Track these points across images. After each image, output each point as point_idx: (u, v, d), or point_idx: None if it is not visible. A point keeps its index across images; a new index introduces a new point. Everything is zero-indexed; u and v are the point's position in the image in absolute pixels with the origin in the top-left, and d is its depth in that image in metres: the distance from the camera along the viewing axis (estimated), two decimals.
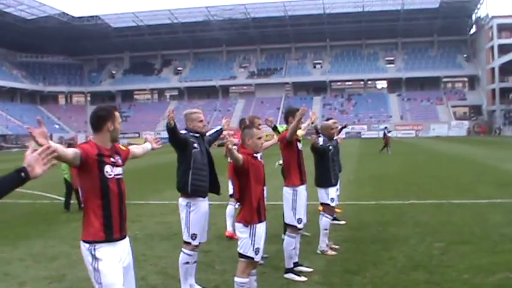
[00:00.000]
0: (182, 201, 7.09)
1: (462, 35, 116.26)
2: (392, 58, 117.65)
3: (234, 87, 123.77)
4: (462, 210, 13.44)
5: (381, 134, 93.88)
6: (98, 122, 4.82)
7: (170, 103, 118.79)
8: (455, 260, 8.46)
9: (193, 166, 7.02)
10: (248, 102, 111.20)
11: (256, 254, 6.10)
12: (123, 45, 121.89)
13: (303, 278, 7.68)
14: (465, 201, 14.87)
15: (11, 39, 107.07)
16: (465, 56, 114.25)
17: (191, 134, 7.19)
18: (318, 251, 9.25)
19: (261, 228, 6.18)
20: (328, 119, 12.95)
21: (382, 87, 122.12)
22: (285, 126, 10.45)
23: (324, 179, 9.32)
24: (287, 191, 8.19)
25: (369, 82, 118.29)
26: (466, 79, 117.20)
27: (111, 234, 4.67)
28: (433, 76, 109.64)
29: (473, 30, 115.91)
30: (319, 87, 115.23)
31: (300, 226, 8.13)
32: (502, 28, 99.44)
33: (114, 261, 4.62)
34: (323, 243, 9.27)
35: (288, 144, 8.18)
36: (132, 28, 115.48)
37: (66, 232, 11.69)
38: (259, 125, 8.87)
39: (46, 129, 4.28)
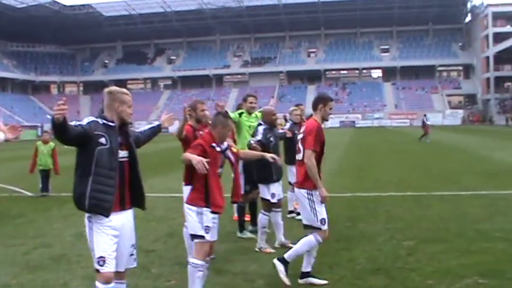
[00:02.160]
0: (85, 215, 5.15)
1: (457, 24, 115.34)
2: (387, 47, 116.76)
3: (227, 76, 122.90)
4: (442, 203, 12.59)
5: (375, 123, 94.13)
6: None
7: (163, 92, 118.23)
8: (423, 261, 7.57)
9: (94, 171, 4.95)
10: (242, 91, 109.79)
11: (207, 233, 5.95)
12: (116, 34, 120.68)
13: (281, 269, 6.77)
14: (447, 193, 14.01)
15: (1, 28, 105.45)
16: (460, 44, 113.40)
17: (104, 122, 5.07)
18: (256, 249, 8.50)
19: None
20: (297, 105, 12.08)
21: (378, 76, 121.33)
22: (237, 112, 9.57)
23: (264, 175, 8.48)
24: None
25: (364, 71, 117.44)
26: (461, 68, 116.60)
27: None
28: (428, 65, 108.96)
29: (468, 18, 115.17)
30: (313, 76, 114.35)
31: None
32: (497, 16, 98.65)
33: None
34: (261, 240, 8.57)
35: None
36: (125, 17, 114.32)
37: (8, 229, 10.77)
38: (203, 110, 7.89)
39: None
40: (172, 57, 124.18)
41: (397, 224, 10.17)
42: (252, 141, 8.47)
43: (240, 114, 9.43)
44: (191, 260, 6.01)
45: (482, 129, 66.19)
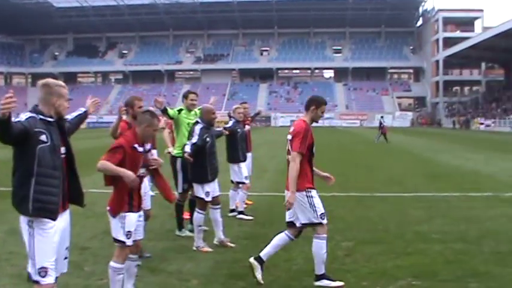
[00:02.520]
0: (23, 219, 4.73)
1: (409, 27, 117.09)
2: (339, 47, 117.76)
3: (180, 72, 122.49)
4: (384, 204, 12.71)
5: (326, 123, 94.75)
6: None
7: (114, 87, 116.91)
8: (359, 262, 7.61)
9: (37, 172, 4.62)
10: (194, 87, 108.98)
11: (128, 238, 5.80)
12: (67, 26, 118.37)
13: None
14: (390, 195, 14.15)
15: None
16: (411, 47, 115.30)
17: (41, 118, 4.70)
18: (194, 248, 8.35)
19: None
20: (241, 103, 12.04)
21: (330, 77, 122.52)
22: (176, 109, 9.43)
23: (199, 176, 8.42)
24: None
25: (316, 71, 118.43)
26: (411, 71, 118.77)
27: None
28: (380, 67, 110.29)
29: (419, 22, 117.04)
30: (265, 75, 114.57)
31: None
32: (447, 21, 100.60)
33: None
34: (198, 239, 8.42)
35: None
36: (76, 8, 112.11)
37: None
38: (140, 107, 7.70)
39: None
40: (124, 51, 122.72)
41: (338, 225, 10.15)
42: (186, 150, 8.31)
43: (180, 111, 9.27)
44: (111, 263, 5.88)
45: (430, 131, 67.31)
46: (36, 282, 4.64)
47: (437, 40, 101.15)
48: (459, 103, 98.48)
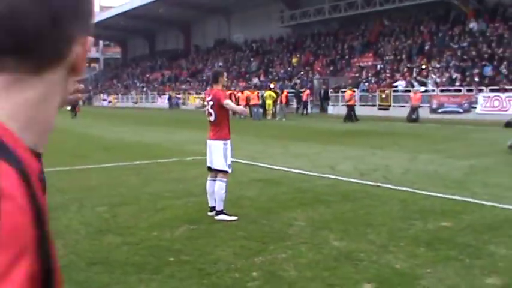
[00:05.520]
0: None
1: None
2: None
3: None
4: (95, 174, 13.46)
5: None
6: None
7: None
8: (131, 221, 8.48)
9: None
10: None
11: None
12: None
13: None
14: (93, 166, 14.83)
15: None
16: None
17: None
18: None
19: None
20: None
21: None
22: None
23: None
24: None
25: None
26: None
27: None
28: None
29: None
30: None
31: None
32: None
33: None
34: None
35: None
36: None
37: None
38: None
39: None
40: None
41: (76, 195, 10.42)
42: None
43: None
44: None
45: None
46: None
47: None
48: (80, 81, 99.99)
